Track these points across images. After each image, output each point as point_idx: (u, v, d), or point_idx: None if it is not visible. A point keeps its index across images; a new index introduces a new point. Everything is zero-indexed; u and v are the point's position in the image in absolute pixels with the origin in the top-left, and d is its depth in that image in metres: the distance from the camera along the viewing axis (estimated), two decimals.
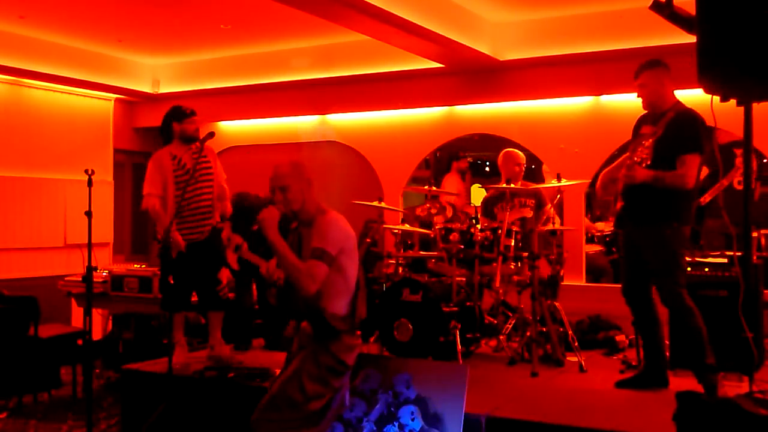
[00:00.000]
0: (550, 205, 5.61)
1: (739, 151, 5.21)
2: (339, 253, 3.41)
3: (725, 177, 5.23)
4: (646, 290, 4.26)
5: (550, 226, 5.28)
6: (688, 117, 4.12)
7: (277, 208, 3.45)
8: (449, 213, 5.77)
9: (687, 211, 4.17)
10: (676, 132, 4.11)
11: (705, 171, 5.45)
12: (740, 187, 5.51)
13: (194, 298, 5.19)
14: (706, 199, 5.46)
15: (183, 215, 4.88)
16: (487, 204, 5.93)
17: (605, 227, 7.34)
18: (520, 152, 5.92)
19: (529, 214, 5.78)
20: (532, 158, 7.40)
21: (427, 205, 5.50)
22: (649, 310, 4.28)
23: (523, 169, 5.84)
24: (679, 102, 4.24)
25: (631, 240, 4.29)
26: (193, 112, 5.08)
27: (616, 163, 4.40)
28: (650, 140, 4.18)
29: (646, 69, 4.26)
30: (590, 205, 7.68)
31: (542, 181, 6.72)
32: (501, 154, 5.92)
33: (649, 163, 4.14)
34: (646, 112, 4.36)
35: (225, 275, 5.16)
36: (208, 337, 5.24)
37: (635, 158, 4.18)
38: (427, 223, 5.63)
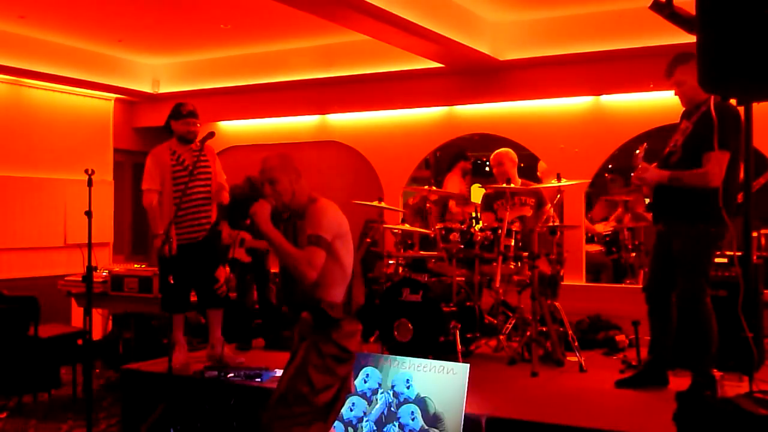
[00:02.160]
0: (549, 206, 5.61)
1: None
2: (333, 238, 3.41)
3: (762, 175, 5.09)
4: (669, 289, 4.18)
5: (550, 225, 5.28)
6: (718, 111, 3.87)
7: (268, 202, 3.44)
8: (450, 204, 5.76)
9: (717, 211, 3.86)
10: (704, 128, 3.91)
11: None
12: None
13: (193, 298, 5.20)
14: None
15: (180, 214, 4.88)
16: (488, 199, 5.92)
17: (604, 228, 7.34)
18: (505, 150, 5.87)
19: (529, 212, 5.77)
20: (532, 158, 7.41)
21: (423, 194, 5.46)
22: (667, 309, 4.23)
23: (507, 168, 5.77)
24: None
25: (662, 237, 4.21)
26: (191, 113, 5.03)
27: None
28: (681, 137, 4.06)
29: (679, 64, 4.04)
30: (590, 206, 7.67)
31: (538, 180, 6.71)
32: None
33: (674, 160, 4.04)
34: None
35: (222, 273, 5.17)
36: (208, 336, 5.24)
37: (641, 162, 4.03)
38: (422, 213, 5.61)
